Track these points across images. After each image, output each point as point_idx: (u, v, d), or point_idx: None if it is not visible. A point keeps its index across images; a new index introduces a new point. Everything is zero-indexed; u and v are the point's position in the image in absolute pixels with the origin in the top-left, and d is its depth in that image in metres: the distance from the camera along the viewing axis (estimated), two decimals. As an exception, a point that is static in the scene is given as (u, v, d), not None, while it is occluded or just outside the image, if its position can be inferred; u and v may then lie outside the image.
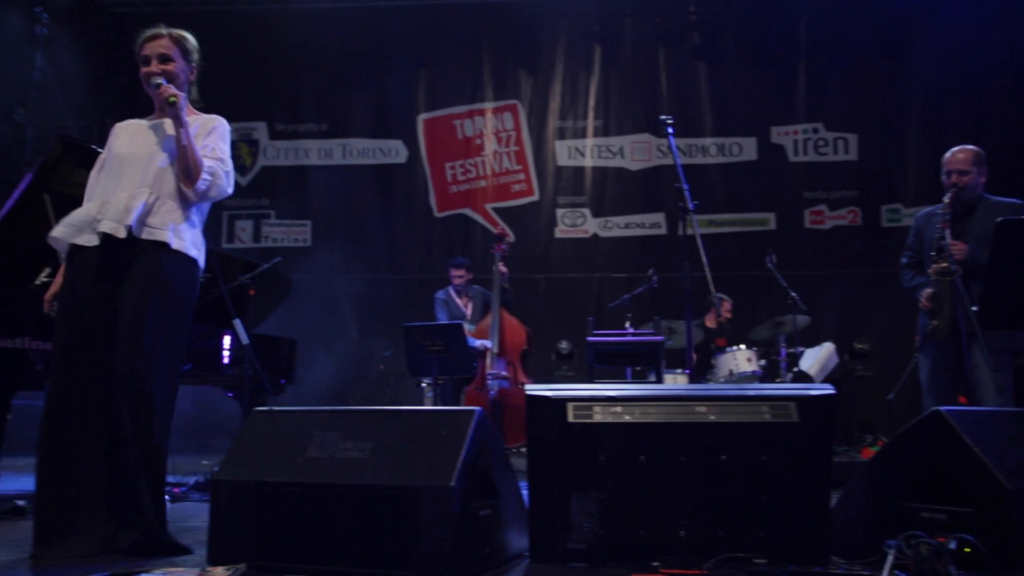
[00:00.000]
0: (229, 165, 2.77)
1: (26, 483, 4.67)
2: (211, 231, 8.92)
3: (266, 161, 9.44)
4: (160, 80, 2.68)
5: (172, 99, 2.62)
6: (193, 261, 2.70)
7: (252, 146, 9.45)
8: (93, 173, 2.79)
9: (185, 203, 2.69)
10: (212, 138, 2.77)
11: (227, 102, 9.26)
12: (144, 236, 2.58)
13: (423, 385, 6.43)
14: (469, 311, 6.20)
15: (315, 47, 9.35)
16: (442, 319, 6.07)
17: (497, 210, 9.21)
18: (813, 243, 8.81)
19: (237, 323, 3.95)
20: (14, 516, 3.37)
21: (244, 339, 4.09)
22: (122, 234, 2.55)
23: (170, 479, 4.59)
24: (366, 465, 2.29)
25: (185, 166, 2.64)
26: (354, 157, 9.40)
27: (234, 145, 9.26)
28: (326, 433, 2.40)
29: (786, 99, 9.09)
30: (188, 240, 2.67)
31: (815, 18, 9.05)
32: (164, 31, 2.80)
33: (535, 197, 9.26)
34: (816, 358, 6.84)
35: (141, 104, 2.89)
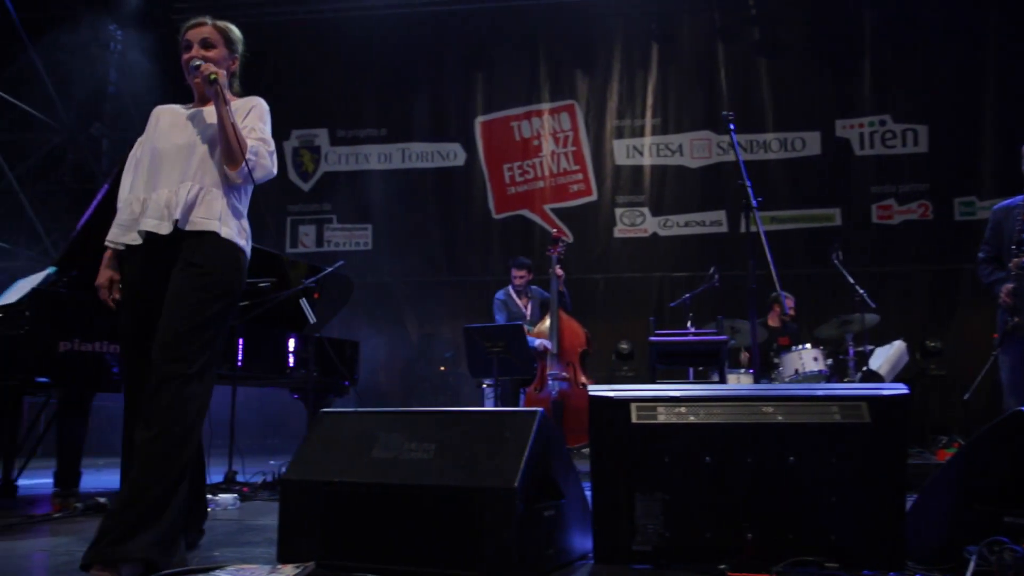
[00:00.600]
0: (272, 145, 2.63)
1: (106, 481, 4.86)
2: (275, 236, 9.19)
3: (328, 167, 9.62)
4: (199, 61, 2.55)
5: (213, 76, 2.45)
6: (240, 250, 2.57)
7: (314, 152, 9.64)
8: (130, 163, 2.69)
9: (230, 191, 2.57)
10: (252, 118, 2.61)
11: (290, 110, 9.56)
12: (190, 228, 2.47)
13: (484, 386, 6.45)
14: (528, 312, 6.21)
15: (374, 54, 9.49)
16: (501, 320, 6.09)
17: (555, 211, 9.20)
18: (881, 238, 8.55)
19: (303, 303, 4.03)
20: (96, 512, 3.50)
21: (311, 318, 4.15)
22: (165, 230, 2.45)
23: (239, 478, 4.73)
24: (430, 466, 2.31)
25: (228, 148, 2.49)
26: (413, 161, 9.50)
27: (296, 152, 9.62)
28: (391, 434, 2.43)
29: (851, 91, 8.86)
30: (234, 229, 2.55)
31: (880, 7, 8.79)
32: (208, 20, 2.68)
33: (593, 197, 9.22)
34: (886, 357, 6.63)
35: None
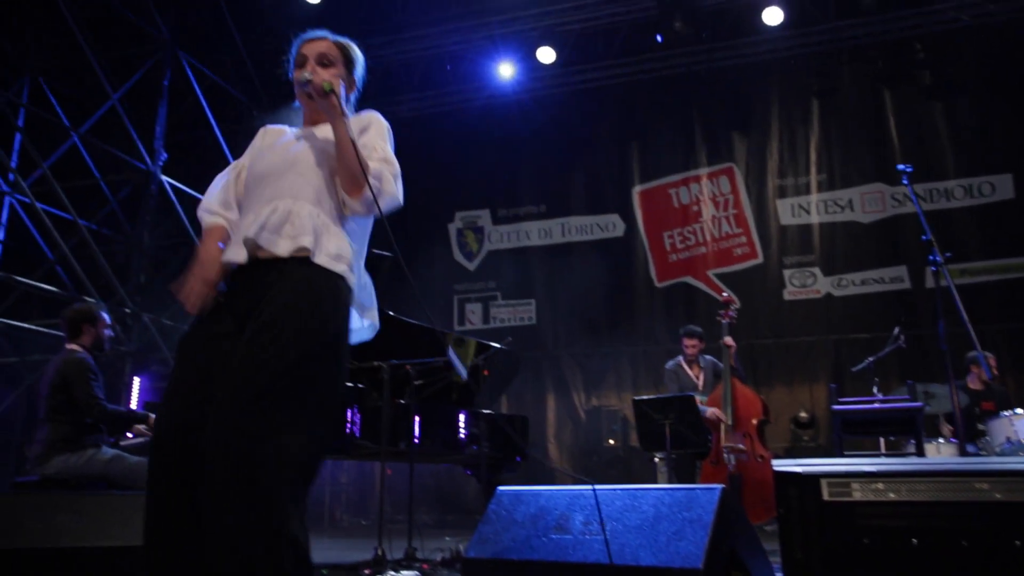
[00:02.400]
0: (396, 166, 2.14)
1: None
2: (444, 315, 9.54)
3: (491, 246, 9.96)
4: (309, 75, 2.13)
5: (328, 86, 2.05)
6: (339, 279, 1.99)
7: (478, 233, 10.03)
8: (217, 181, 2.26)
9: (333, 214, 2.07)
10: (370, 136, 2.17)
11: (453, 193, 10.02)
12: (274, 249, 1.96)
13: (656, 460, 6.28)
14: (701, 382, 6.03)
15: (529, 133, 9.83)
16: (673, 391, 5.95)
17: (720, 276, 8.98)
18: (1093, 287, 7.66)
19: (451, 353, 4.10)
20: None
21: (462, 373, 4.22)
22: (241, 258, 1.97)
23: (418, 555, 4.84)
24: (611, 545, 2.26)
25: (349, 168, 2.03)
26: (573, 234, 9.64)
27: (461, 233, 10.05)
28: (569, 512, 2.41)
29: (1043, 127, 8.13)
30: (333, 253, 1.99)
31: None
32: (328, 34, 2.31)
33: (759, 260, 8.92)
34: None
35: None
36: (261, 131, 2.31)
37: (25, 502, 3.52)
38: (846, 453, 4.47)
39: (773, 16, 8.33)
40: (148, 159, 8.25)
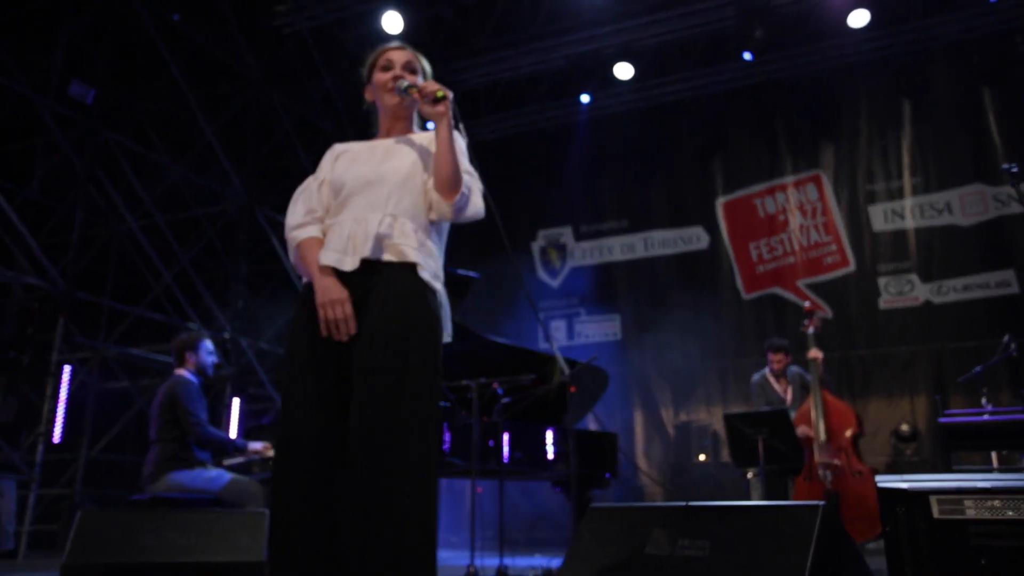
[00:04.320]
0: (479, 182, 2.25)
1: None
2: (529, 333, 9.58)
3: (574, 263, 9.96)
4: (408, 83, 2.22)
5: (441, 94, 2.12)
6: (435, 292, 2.12)
7: (560, 250, 10.05)
8: (298, 195, 2.30)
9: (429, 229, 2.18)
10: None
11: (535, 212, 10.09)
12: (384, 258, 2.06)
13: (748, 476, 6.13)
14: (789, 395, 5.86)
15: (611, 148, 9.82)
16: (760, 404, 5.81)
17: (810, 286, 8.72)
18: None
19: (557, 352, 4.13)
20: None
21: (565, 369, 4.24)
22: (349, 266, 2.04)
23: (510, 572, 4.85)
24: (706, 565, 2.23)
25: (448, 174, 2.10)
26: (656, 248, 9.55)
27: (544, 251, 10.09)
28: (662, 530, 2.39)
29: None
30: (431, 270, 2.12)
31: None
32: (408, 46, 2.39)
33: (851, 268, 8.63)
34: None
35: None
36: (332, 150, 2.36)
37: (138, 519, 3.71)
38: (955, 468, 4.26)
39: (859, 18, 8.08)
40: (242, 191, 8.63)
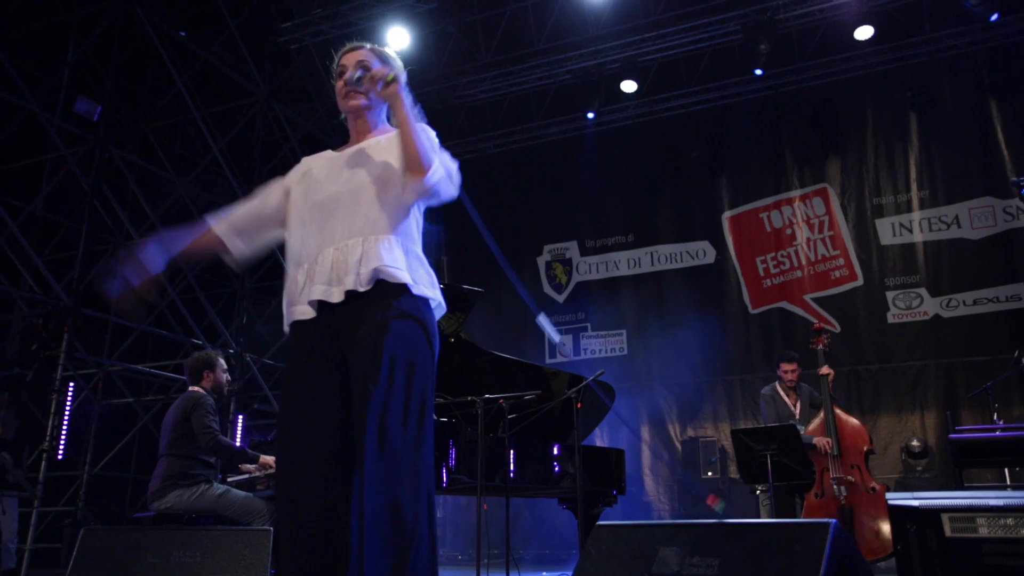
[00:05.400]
0: (450, 163, 2.19)
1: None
2: (535, 348, 9.53)
3: (579, 277, 9.92)
4: (360, 72, 2.15)
5: (391, 76, 2.05)
6: (428, 303, 2.13)
7: (566, 265, 10.02)
8: (254, 200, 2.35)
9: (408, 237, 2.14)
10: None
11: (540, 226, 10.08)
12: (369, 288, 2.02)
13: (757, 492, 6.06)
14: (798, 410, 5.80)
15: (616, 163, 9.82)
16: (769, 417, 5.75)
17: (817, 300, 8.67)
18: None
19: (542, 319, 4.02)
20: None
21: (555, 337, 4.13)
22: (337, 298, 2.03)
23: (518, 591, 4.79)
24: (716, 583, 2.18)
25: (412, 151, 2.04)
26: (662, 263, 9.52)
27: (549, 265, 10.07)
28: (671, 548, 2.34)
29: None
30: (425, 279, 2.13)
31: None
32: (365, 44, 2.32)
33: (859, 282, 8.58)
34: None
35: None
36: (303, 162, 2.33)
37: (142, 537, 3.68)
38: (967, 485, 4.20)
39: (864, 33, 8.08)
40: (248, 205, 8.63)
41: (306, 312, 2.09)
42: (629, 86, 9.01)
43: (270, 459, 4.34)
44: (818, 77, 8.84)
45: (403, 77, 2.09)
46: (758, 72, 8.63)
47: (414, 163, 2.06)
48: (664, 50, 8.86)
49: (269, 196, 2.33)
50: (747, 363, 8.75)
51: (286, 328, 2.17)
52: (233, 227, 2.31)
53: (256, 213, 2.33)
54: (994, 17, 7.57)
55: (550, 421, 4.99)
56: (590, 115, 9.52)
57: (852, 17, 8.00)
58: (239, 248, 2.32)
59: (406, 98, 2.07)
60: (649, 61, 9.03)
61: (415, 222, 2.20)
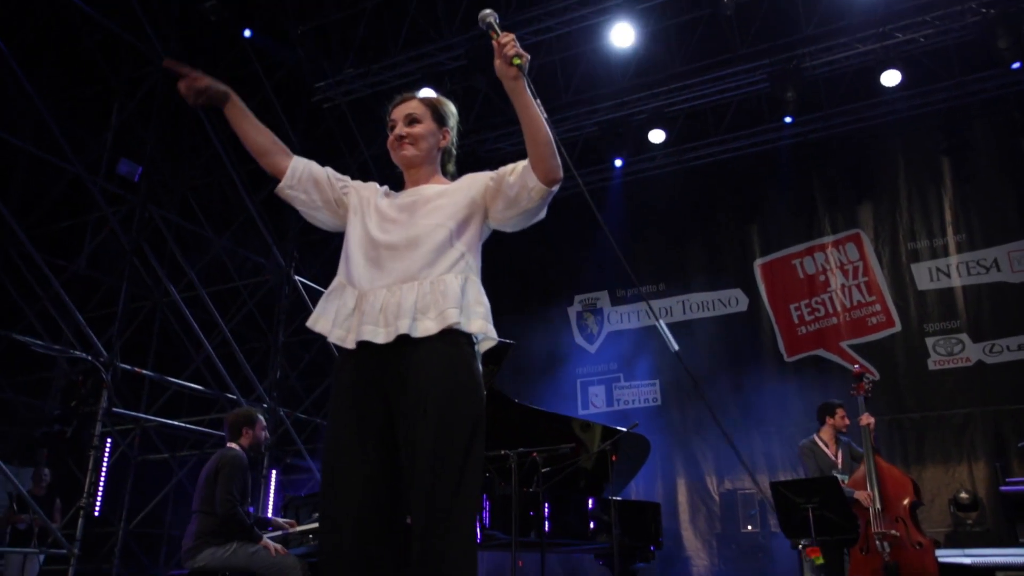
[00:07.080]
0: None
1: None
2: (568, 399, 9.46)
3: (611, 327, 9.87)
4: (490, 18, 2.10)
5: (518, 61, 1.97)
6: (473, 342, 2.05)
7: (597, 315, 9.98)
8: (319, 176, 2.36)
9: (469, 274, 2.07)
10: (504, 169, 2.22)
11: (570, 276, 10.08)
12: (422, 331, 1.96)
13: (800, 548, 5.87)
14: (840, 461, 5.65)
15: (646, 211, 9.83)
16: (810, 470, 5.59)
17: (854, 347, 8.51)
18: None
19: (661, 325, 3.88)
20: None
21: (673, 346, 3.99)
22: (382, 339, 1.97)
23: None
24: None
25: (544, 144, 2.03)
26: (694, 312, 9.44)
27: (580, 316, 10.03)
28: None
29: None
30: (483, 312, 2.04)
31: None
32: (416, 95, 2.35)
33: (896, 328, 8.42)
34: None
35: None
36: (357, 189, 2.36)
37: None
38: (1021, 541, 4.03)
39: (891, 78, 8.07)
40: (282, 261, 8.77)
41: (346, 341, 2.04)
42: (657, 136, 9.07)
43: (271, 544, 4.30)
44: (847, 123, 8.84)
45: (527, 66, 2.01)
46: (788, 120, 8.64)
47: (541, 158, 2.04)
48: (691, 100, 8.92)
49: (335, 191, 2.35)
50: (784, 412, 8.57)
51: (312, 325, 2.14)
52: (299, 175, 2.30)
53: (317, 189, 2.34)
54: (1015, 65, 7.52)
55: (584, 474, 4.91)
56: (618, 164, 9.56)
57: (878, 63, 8.00)
58: (288, 188, 2.32)
59: (527, 86, 2.01)
60: (676, 111, 9.09)
61: (476, 256, 2.15)
